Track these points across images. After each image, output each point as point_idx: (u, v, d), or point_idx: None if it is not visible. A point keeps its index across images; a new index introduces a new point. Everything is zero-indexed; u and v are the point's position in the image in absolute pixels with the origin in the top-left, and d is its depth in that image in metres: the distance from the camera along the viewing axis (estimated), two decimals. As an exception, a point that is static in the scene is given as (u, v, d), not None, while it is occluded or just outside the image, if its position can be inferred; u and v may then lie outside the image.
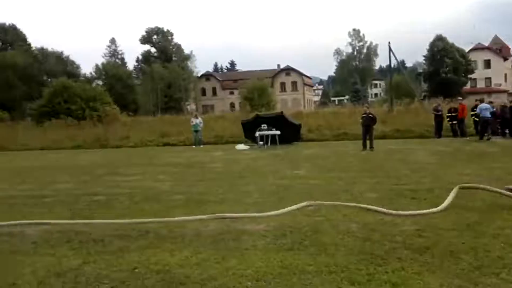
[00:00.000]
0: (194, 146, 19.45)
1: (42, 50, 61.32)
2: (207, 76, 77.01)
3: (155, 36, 70.10)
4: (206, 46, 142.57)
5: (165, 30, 70.27)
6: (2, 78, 47.80)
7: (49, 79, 52.93)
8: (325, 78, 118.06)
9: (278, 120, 18.35)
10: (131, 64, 73.27)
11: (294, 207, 5.89)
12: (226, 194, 7.34)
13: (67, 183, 9.39)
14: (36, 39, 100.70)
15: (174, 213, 5.93)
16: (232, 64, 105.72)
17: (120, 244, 4.62)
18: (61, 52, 63.24)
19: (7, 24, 59.30)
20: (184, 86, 63.91)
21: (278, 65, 76.96)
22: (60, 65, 59.68)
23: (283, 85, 73.36)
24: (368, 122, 14.65)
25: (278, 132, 17.70)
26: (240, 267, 3.73)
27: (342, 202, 6.17)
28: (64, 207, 6.75)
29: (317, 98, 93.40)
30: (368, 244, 4.25)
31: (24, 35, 60.49)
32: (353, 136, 18.71)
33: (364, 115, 14.94)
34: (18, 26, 62.30)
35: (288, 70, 74.33)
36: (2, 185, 9.25)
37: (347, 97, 69.52)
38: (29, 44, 60.22)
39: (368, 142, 14.44)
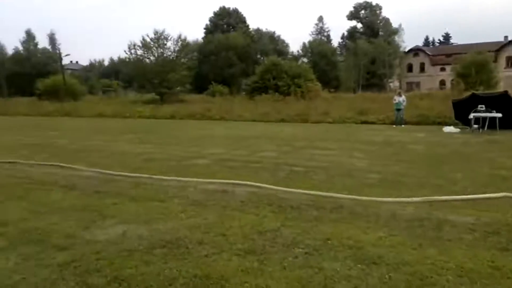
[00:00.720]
0: (394, 126, 18.53)
1: (258, 31, 67.98)
2: (415, 51, 71.51)
3: (362, 11, 68.90)
4: (418, 19, 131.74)
5: (373, 4, 68.33)
6: (225, 58, 55.17)
7: (262, 58, 58.48)
8: None
9: (500, 101, 15.67)
10: (336, 41, 74.37)
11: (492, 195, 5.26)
12: (427, 178, 6.74)
13: (271, 152, 10.26)
14: (254, 21, 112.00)
15: (367, 191, 5.80)
16: (447, 37, 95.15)
17: (315, 214, 4.79)
18: (274, 32, 68.91)
19: (231, 8, 67.64)
20: (388, 62, 61.21)
21: (505, 37, 65.25)
22: (272, 44, 65.14)
23: (510, 59, 62.16)
24: None
25: (500, 115, 15.15)
26: (440, 258, 3.39)
27: None
28: (267, 173, 7.41)
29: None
30: None
31: (244, 18, 68.01)
32: None
33: None
34: (240, 9, 70.37)
35: (519, 41, 62.30)
36: (220, 150, 10.75)
37: None
38: (248, 26, 67.44)
39: None
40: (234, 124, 20.73)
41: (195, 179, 6.80)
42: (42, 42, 71.26)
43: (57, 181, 6.84)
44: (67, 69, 64.85)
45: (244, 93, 42.02)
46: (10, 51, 67.38)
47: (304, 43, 65.84)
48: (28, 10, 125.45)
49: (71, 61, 78.02)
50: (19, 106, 33.84)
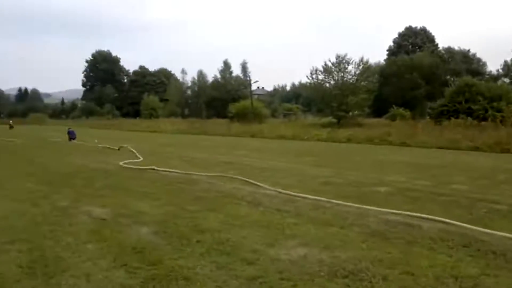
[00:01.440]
0: None
1: (448, 49, 62.54)
2: None
3: None
4: None
5: None
6: (409, 79, 52.32)
7: (453, 78, 53.41)
8: None
9: None
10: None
11: None
12: None
13: (464, 184, 9.06)
14: (444, 39, 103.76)
15: None
16: None
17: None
18: (468, 50, 62.28)
19: (418, 27, 64.11)
20: None
21: None
22: (465, 63, 58.95)
23: None
24: None
25: None
26: None
27: None
28: (460, 209, 6.54)
29: None
30: None
31: (433, 37, 63.64)
32: None
33: None
34: (428, 28, 66.05)
35: None
36: (402, 178, 10.00)
37: None
38: (436, 45, 62.84)
39: None
40: (416, 150, 19.30)
41: (375, 208, 6.48)
42: (236, 71, 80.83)
43: (244, 197, 7.44)
44: (255, 94, 71.65)
45: (428, 117, 38.91)
46: (210, 78, 78.65)
47: (505, 61, 57.58)
48: (226, 44, 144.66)
49: (258, 87, 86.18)
50: (215, 127, 38.78)
